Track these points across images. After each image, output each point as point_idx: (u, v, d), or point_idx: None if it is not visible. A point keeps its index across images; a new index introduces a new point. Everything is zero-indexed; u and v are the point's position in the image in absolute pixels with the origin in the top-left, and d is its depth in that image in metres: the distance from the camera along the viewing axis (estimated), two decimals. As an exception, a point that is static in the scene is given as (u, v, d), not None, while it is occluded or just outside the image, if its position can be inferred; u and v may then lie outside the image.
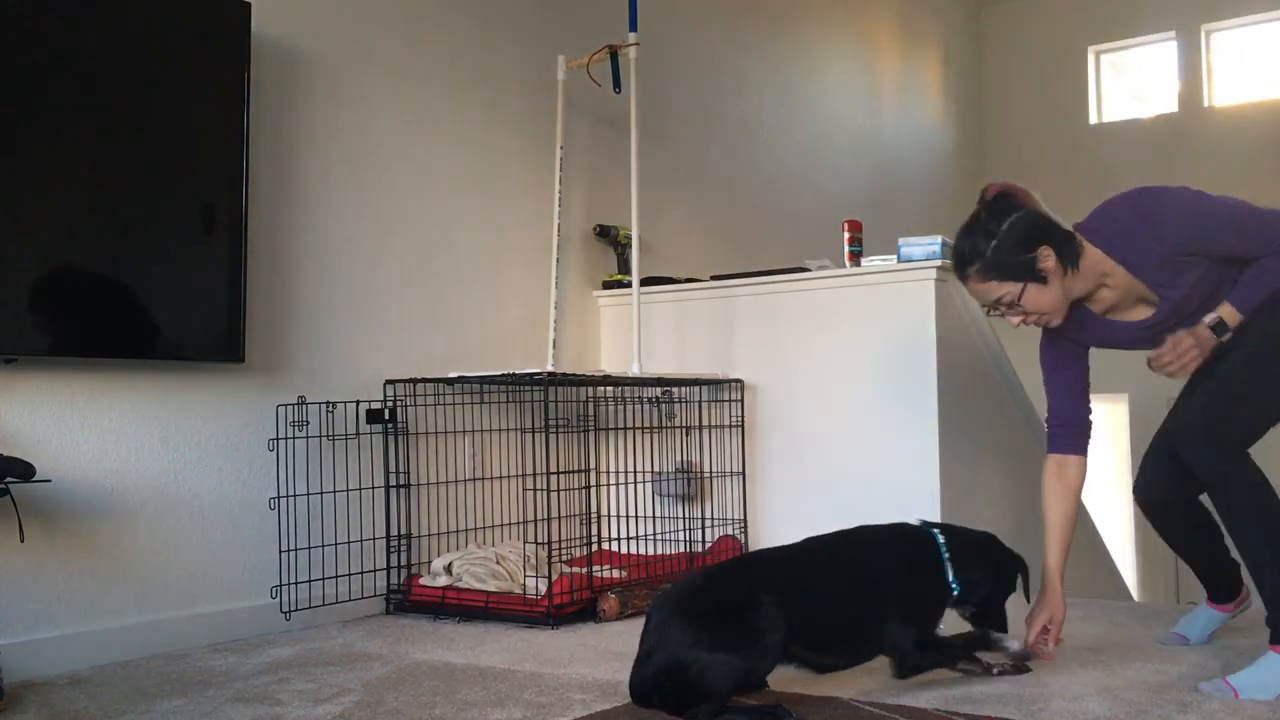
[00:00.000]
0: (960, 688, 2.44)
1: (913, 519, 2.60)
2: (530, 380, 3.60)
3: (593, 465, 4.10)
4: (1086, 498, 4.81)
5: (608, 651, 2.93)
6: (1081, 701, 2.31)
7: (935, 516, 3.71)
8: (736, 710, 2.17)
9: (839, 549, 2.49)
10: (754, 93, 5.79)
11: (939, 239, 3.78)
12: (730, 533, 4.09)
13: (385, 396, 3.64)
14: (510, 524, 4.01)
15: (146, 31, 3.02)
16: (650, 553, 3.97)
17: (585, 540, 3.91)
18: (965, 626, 2.60)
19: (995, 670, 2.53)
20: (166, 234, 3.05)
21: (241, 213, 3.18)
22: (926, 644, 2.41)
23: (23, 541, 2.73)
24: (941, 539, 2.50)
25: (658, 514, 4.14)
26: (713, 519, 4.14)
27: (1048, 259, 2.41)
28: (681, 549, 3.99)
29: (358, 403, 3.55)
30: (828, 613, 2.35)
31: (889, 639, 2.39)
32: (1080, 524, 4.69)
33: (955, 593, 2.48)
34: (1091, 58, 8.23)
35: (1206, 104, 7.79)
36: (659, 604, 2.30)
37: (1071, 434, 2.67)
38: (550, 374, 3.51)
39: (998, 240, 2.42)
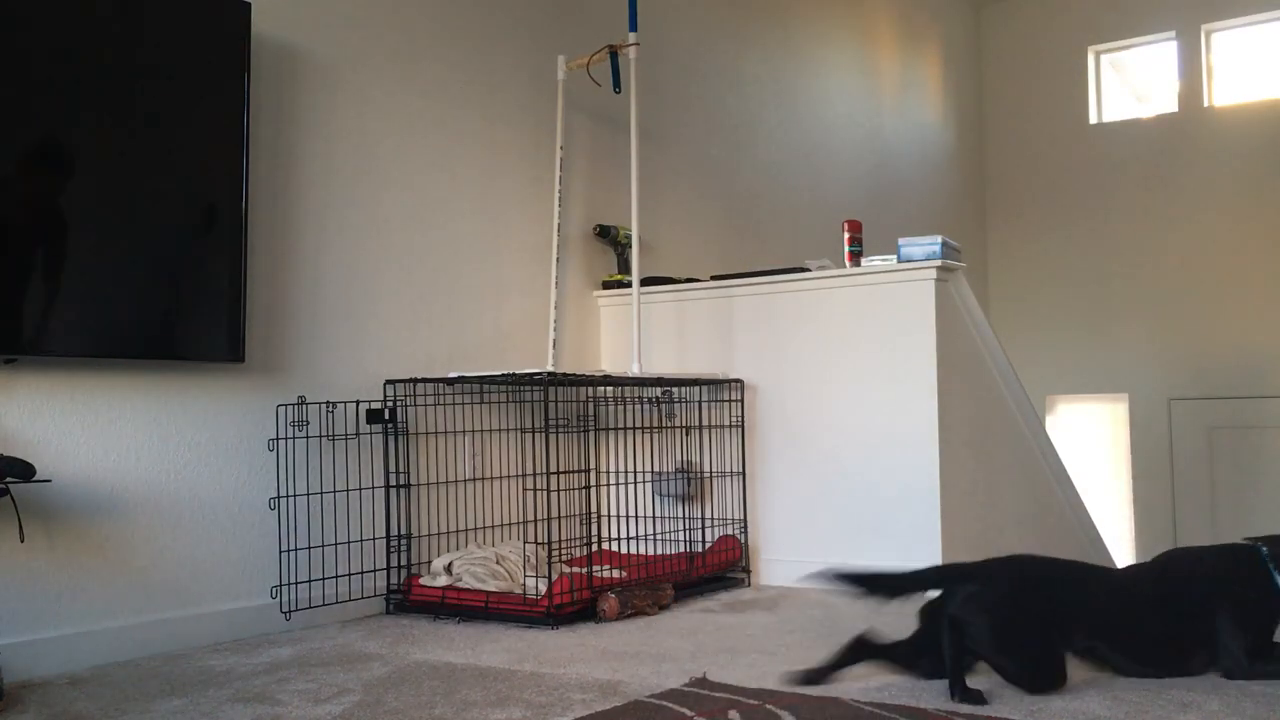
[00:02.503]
0: (960, 688, 2.44)
1: (1240, 538, 2.64)
2: (530, 380, 3.60)
3: (593, 465, 4.10)
4: (1087, 498, 4.87)
5: (608, 651, 2.93)
6: (1081, 701, 2.31)
7: (934, 517, 3.73)
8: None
9: (1165, 566, 2.64)
10: (754, 93, 5.79)
11: (939, 239, 3.79)
12: (730, 533, 4.09)
13: (385, 396, 3.64)
14: (510, 524, 4.01)
15: (146, 31, 3.02)
16: (650, 553, 3.97)
17: (585, 540, 3.91)
18: None
19: None
20: (166, 234, 3.05)
21: (241, 213, 3.18)
22: (1258, 652, 2.45)
23: (23, 541, 2.73)
24: (1267, 552, 2.55)
25: (658, 514, 4.14)
26: (713, 519, 4.14)
27: None
28: (681, 549, 4.00)
29: (358, 403, 3.55)
30: (1145, 626, 2.50)
31: (1221, 648, 2.46)
32: (1080, 524, 4.73)
33: None
34: (1091, 58, 8.23)
35: (1206, 104, 7.78)
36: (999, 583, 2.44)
37: None
38: (550, 374, 3.51)
39: None
